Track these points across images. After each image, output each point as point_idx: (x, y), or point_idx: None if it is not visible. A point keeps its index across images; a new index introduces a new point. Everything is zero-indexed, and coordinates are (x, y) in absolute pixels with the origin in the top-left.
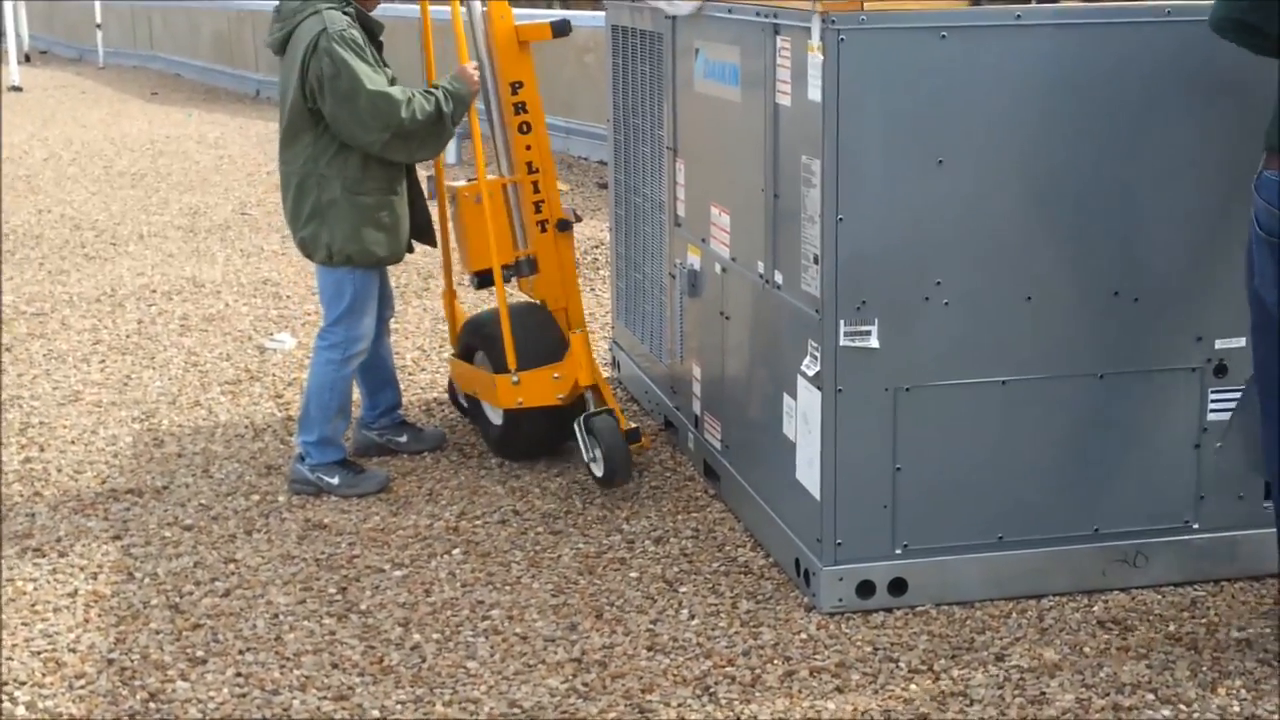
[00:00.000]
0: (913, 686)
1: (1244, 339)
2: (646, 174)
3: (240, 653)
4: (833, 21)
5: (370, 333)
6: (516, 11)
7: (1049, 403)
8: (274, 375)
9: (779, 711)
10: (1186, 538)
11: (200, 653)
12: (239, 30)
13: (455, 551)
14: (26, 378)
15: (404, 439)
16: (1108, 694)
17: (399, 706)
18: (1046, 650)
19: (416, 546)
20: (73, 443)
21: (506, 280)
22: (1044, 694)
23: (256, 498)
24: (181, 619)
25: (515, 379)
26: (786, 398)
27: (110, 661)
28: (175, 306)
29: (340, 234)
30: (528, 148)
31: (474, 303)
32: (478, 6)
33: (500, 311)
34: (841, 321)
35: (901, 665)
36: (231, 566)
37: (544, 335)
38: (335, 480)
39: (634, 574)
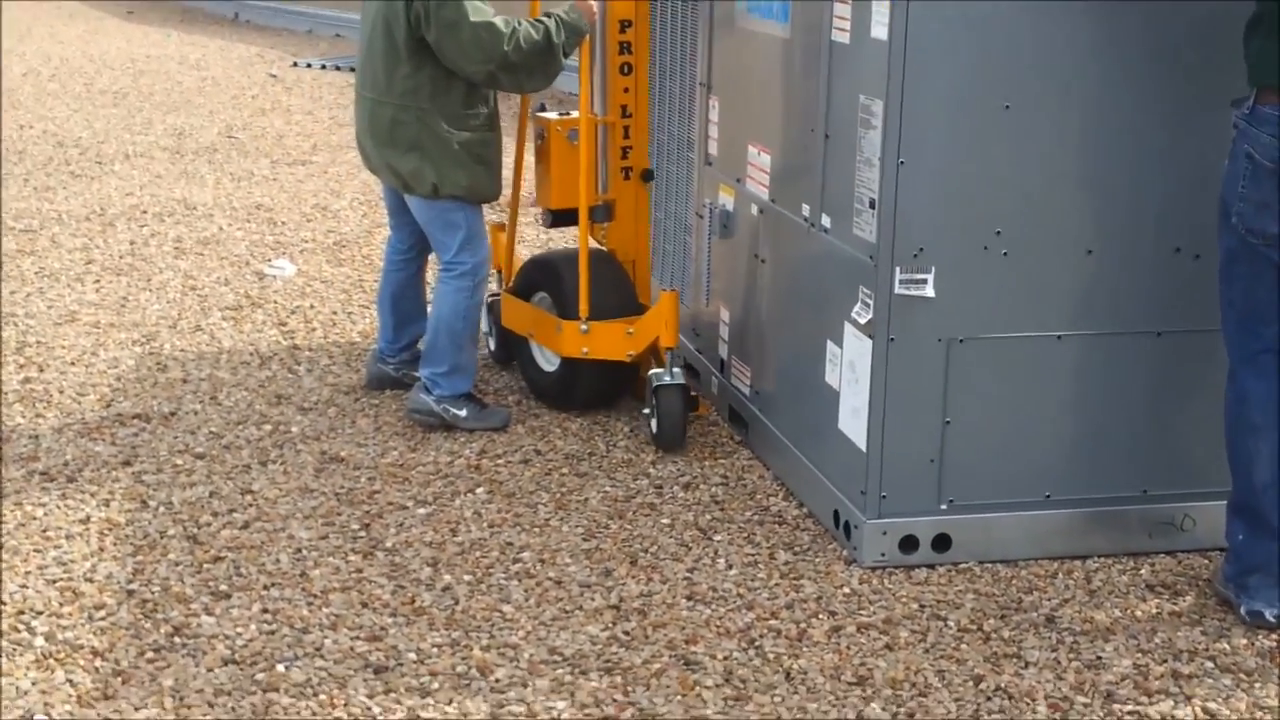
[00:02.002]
0: (964, 646)
1: None
2: (673, 111)
3: (265, 588)
4: None
5: (490, 253)
6: None
7: (1104, 359)
8: (276, 302)
9: (829, 667)
10: None
11: (223, 586)
12: None
13: (479, 490)
14: (20, 295)
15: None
16: (1165, 660)
17: (435, 650)
18: (1097, 613)
19: (438, 484)
20: (73, 364)
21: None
22: (1099, 659)
23: (269, 427)
24: (201, 550)
25: (585, 327)
26: (830, 345)
27: (130, 593)
28: (168, 228)
29: (446, 170)
30: (625, 90)
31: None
32: None
33: (580, 254)
34: (897, 269)
35: (950, 623)
36: (248, 498)
37: (618, 287)
38: (463, 413)
39: (665, 520)
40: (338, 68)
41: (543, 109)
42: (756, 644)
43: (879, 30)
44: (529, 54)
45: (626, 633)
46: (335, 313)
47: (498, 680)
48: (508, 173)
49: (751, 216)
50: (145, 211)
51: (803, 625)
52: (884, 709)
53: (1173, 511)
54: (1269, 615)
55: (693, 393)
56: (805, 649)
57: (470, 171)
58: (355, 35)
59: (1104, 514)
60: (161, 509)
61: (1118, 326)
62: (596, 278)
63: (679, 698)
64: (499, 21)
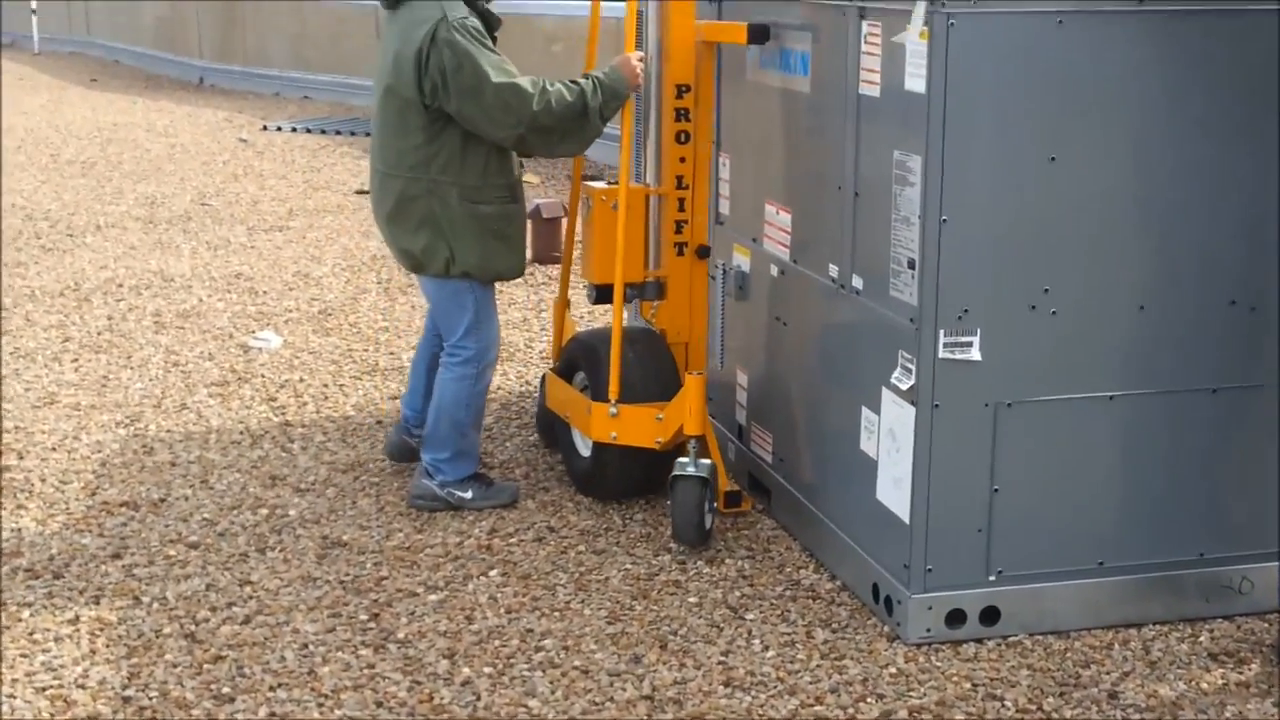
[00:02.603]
0: None
1: None
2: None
3: (271, 689)
4: (942, 4)
5: (498, 338)
6: None
7: (1157, 419)
8: (263, 376)
9: None
10: None
11: (226, 689)
12: (181, 15)
13: (493, 573)
14: None
15: None
16: None
17: None
18: (1160, 687)
19: (449, 567)
20: (54, 449)
21: (628, 301)
22: None
23: (264, 511)
24: (200, 649)
25: (614, 410)
26: (866, 411)
27: (126, 700)
28: (145, 302)
29: (460, 247)
30: (681, 160)
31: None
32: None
33: (613, 332)
34: (941, 332)
35: (1008, 704)
36: (248, 589)
37: (657, 369)
38: (469, 495)
39: (693, 599)
40: (309, 130)
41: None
42: None
43: (914, 83)
44: (561, 117)
45: None
46: (326, 385)
47: None
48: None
49: (770, 277)
50: (121, 285)
51: (850, 711)
52: None
53: (1230, 574)
54: None
55: (734, 489)
56: None
57: (488, 248)
58: (322, 96)
59: (1159, 580)
60: (155, 605)
61: (1171, 384)
62: (636, 359)
63: None
64: (524, 82)
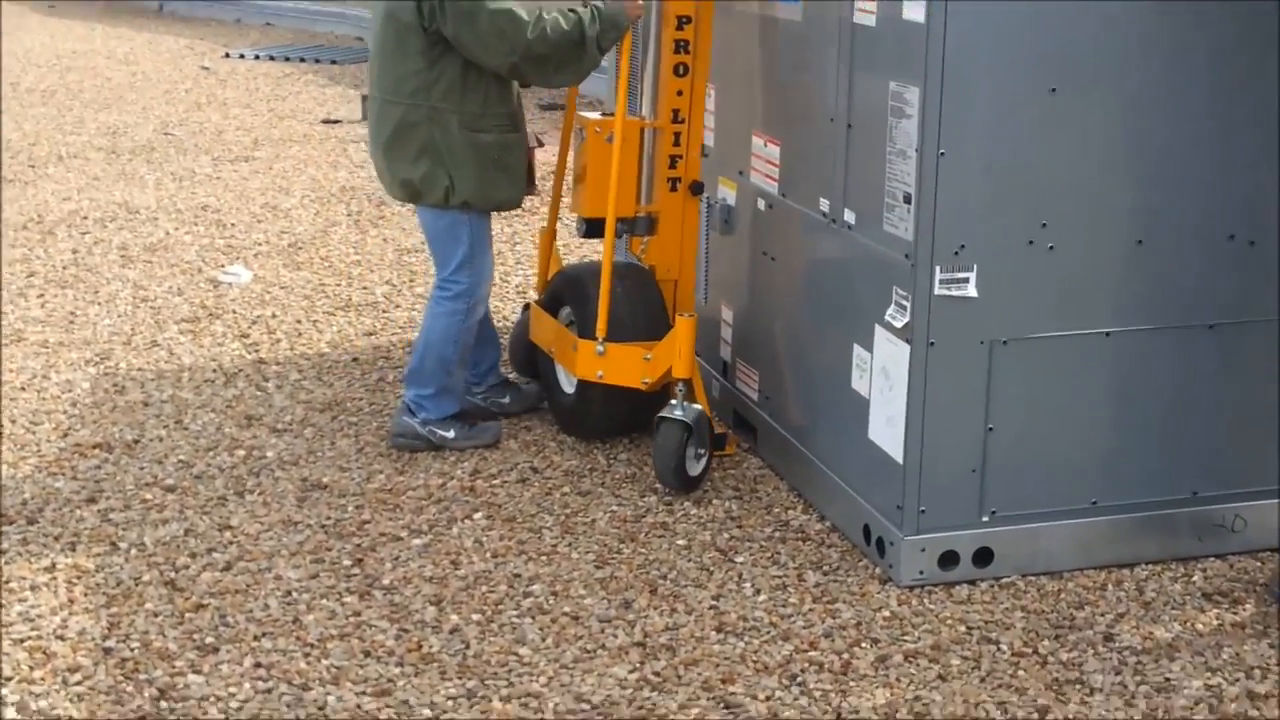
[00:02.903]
0: (1021, 672)
1: None
2: (641, 98)
3: (256, 638)
4: None
5: (492, 273)
6: None
7: (1155, 356)
8: (235, 312)
9: (881, 705)
10: None
11: (209, 639)
12: None
13: (477, 516)
14: None
15: (507, 399)
16: (1237, 679)
17: (450, 703)
18: (1156, 628)
19: (432, 510)
20: (23, 389)
21: (619, 236)
22: (1168, 680)
23: (241, 453)
24: (181, 598)
25: (601, 348)
26: (858, 349)
27: (107, 651)
28: (111, 235)
29: (461, 176)
30: (679, 93)
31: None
32: None
33: (603, 268)
34: (937, 268)
35: (1003, 647)
36: (228, 534)
37: (646, 307)
38: (451, 434)
39: (681, 541)
40: (271, 58)
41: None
42: (799, 680)
43: (913, 12)
44: (557, 45)
45: (657, 673)
46: (299, 322)
47: None
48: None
49: (757, 211)
50: (86, 217)
51: (845, 656)
52: None
53: (1223, 513)
54: None
55: (720, 430)
56: (853, 683)
57: (486, 177)
58: (285, 23)
59: (1152, 519)
60: (134, 551)
61: (1168, 320)
62: (625, 295)
63: None
64: (520, 9)
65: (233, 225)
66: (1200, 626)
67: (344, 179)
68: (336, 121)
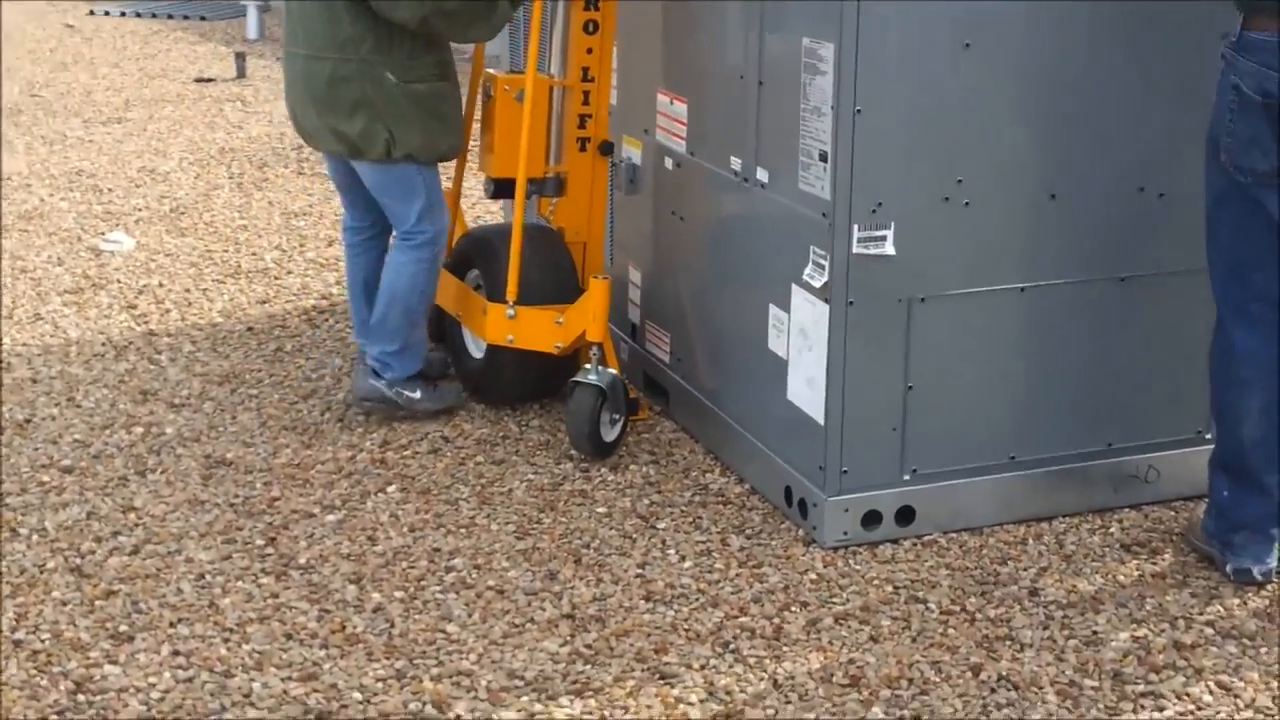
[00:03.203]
0: (951, 631)
1: None
2: (550, 56)
3: (171, 625)
4: None
5: (449, 220)
6: None
7: (1069, 309)
8: (119, 282)
9: (816, 669)
10: (1198, 449)
11: (123, 627)
12: None
13: (391, 489)
14: None
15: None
16: (1162, 630)
17: (380, 685)
18: (1079, 581)
19: (344, 484)
20: None
21: (528, 197)
22: (1096, 634)
23: (139, 430)
24: (90, 585)
25: (511, 312)
26: (774, 309)
27: (17, 643)
28: None
29: (400, 129)
30: (589, 51)
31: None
32: None
33: (514, 230)
34: (855, 226)
35: (931, 606)
36: (132, 516)
37: (556, 270)
38: (418, 394)
39: (601, 509)
40: (138, 14)
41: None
42: (732, 647)
43: None
44: None
45: (589, 646)
46: (188, 290)
47: (459, 717)
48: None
49: (665, 170)
50: None
51: (776, 621)
52: (886, 713)
53: (1137, 464)
54: (1256, 573)
55: (632, 395)
56: (786, 649)
57: (425, 128)
58: None
59: (1068, 471)
60: (35, 537)
61: (1080, 274)
62: (534, 257)
63: (664, 719)
64: None
65: (110, 190)
66: (1121, 578)
67: (222, 140)
68: (210, 80)
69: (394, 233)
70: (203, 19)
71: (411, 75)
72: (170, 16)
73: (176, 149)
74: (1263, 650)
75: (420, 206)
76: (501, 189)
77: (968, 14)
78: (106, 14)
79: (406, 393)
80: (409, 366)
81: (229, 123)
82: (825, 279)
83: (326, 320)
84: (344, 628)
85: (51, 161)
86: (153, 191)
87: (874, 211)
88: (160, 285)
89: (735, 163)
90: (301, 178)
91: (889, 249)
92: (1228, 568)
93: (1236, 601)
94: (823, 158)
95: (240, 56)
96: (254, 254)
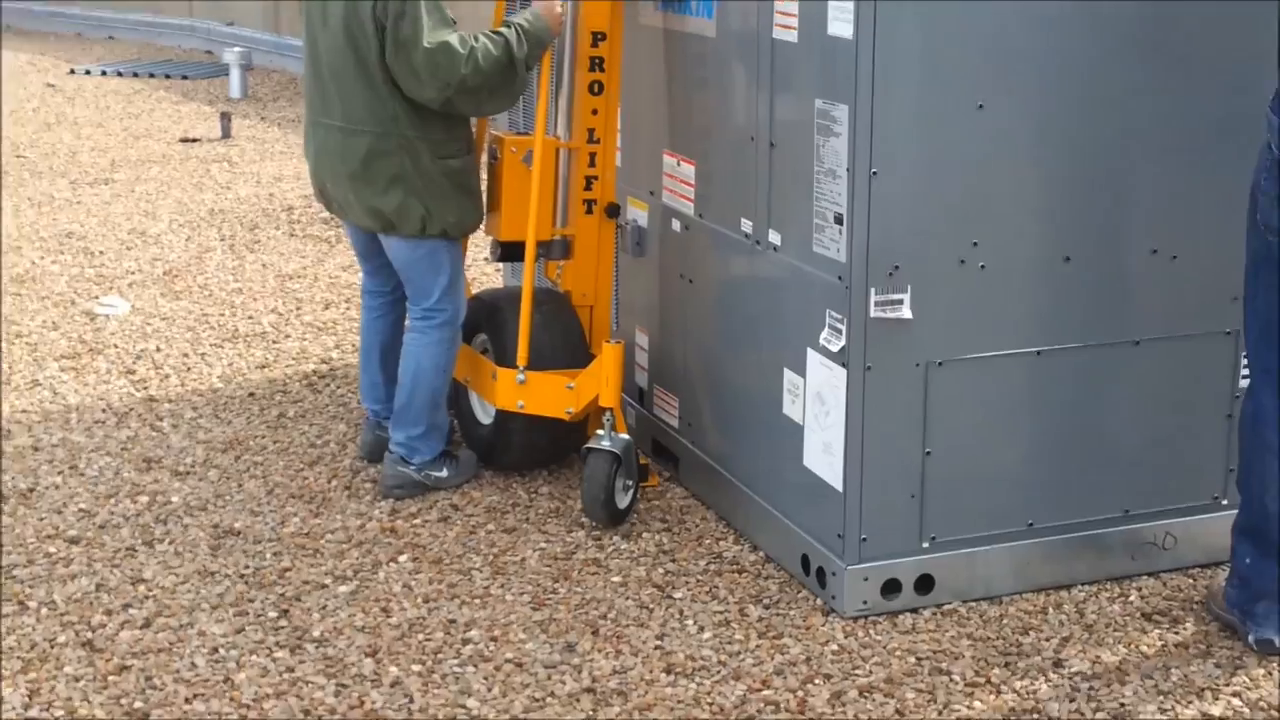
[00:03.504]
0: (977, 703)
1: None
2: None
3: (187, 700)
4: None
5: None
6: None
7: (1084, 374)
8: (116, 346)
9: None
10: (1215, 515)
11: (138, 703)
12: None
13: (402, 559)
14: None
15: None
16: (1189, 701)
17: None
18: (1102, 651)
19: (354, 554)
20: None
21: (535, 260)
22: (1123, 706)
23: (145, 499)
24: (102, 659)
25: (521, 377)
26: (789, 374)
27: None
28: None
29: (437, 205)
30: (594, 112)
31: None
32: None
33: (524, 294)
34: (872, 290)
35: (955, 678)
36: (142, 588)
37: (566, 334)
38: (445, 473)
39: (616, 578)
40: (120, 74)
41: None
42: None
43: (839, 28)
44: (489, 73)
45: None
46: (186, 355)
47: None
48: None
49: (672, 232)
50: None
51: (800, 694)
52: None
53: (1154, 531)
54: (1279, 643)
55: (642, 462)
56: None
57: (459, 203)
58: (129, 37)
59: (1086, 539)
60: (44, 610)
61: (1096, 337)
62: (543, 322)
63: None
64: (455, 40)
65: (101, 253)
66: (1145, 648)
67: (211, 201)
68: (195, 140)
69: (410, 311)
70: (185, 78)
71: (445, 151)
72: (152, 75)
73: (166, 210)
74: None
75: (445, 283)
76: (509, 252)
77: (981, 75)
78: (88, 73)
79: (434, 474)
80: (435, 447)
81: (217, 183)
82: (843, 343)
83: (328, 385)
84: (362, 703)
85: (41, 224)
86: (144, 254)
87: (891, 275)
88: (158, 350)
89: (746, 225)
90: (294, 239)
91: (906, 313)
92: (1250, 638)
93: (1262, 672)
94: (838, 220)
95: (225, 116)
96: (250, 317)
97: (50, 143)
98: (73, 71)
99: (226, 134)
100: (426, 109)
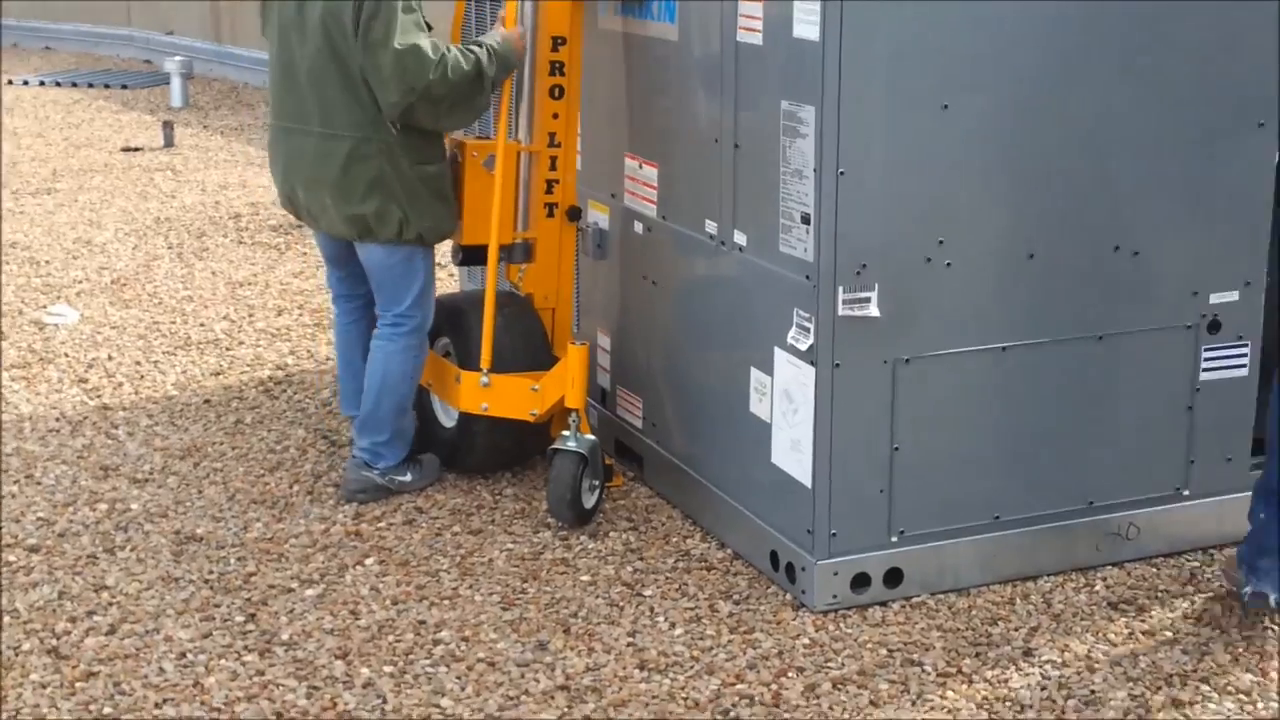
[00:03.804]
0: (950, 693)
1: (1236, 293)
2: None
3: (157, 705)
4: None
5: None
6: None
7: (1049, 368)
8: (67, 355)
9: None
10: (1177, 505)
11: (107, 709)
12: None
13: (369, 561)
14: None
15: None
16: (1159, 688)
17: None
18: (1071, 640)
19: (320, 558)
20: None
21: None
22: (1094, 693)
23: (104, 507)
24: (68, 666)
25: (485, 380)
26: (756, 372)
27: None
28: None
29: (415, 210)
30: (555, 116)
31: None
32: None
33: (486, 298)
34: (840, 288)
35: (927, 668)
36: (105, 595)
37: (528, 337)
38: (409, 478)
39: (585, 577)
40: (58, 83)
41: None
42: (733, 715)
43: (805, 30)
44: (455, 85)
45: (587, 718)
46: (139, 363)
47: None
48: None
49: (635, 234)
50: None
51: (774, 687)
52: None
53: (1118, 522)
54: (1273, 600)
55: (607, 462)
56: (786, 715)
57: (433, 210)
58: (65, 47)
59: (1051, 530)
60: (7, 619)
61: (1061, 332)
62: (506, 325)
63: None
64: (427, 46)
65: (47, 263)
66: (1112, 637)
67: (156, 209)
68: (138, 149)
69: (380, 317)
70: (124, 87)
71: (424, 156)
72: (91, 85)
73: (111, 219)
74: (1259, 705)
75: (417, 290)
76: (470, 256)
77: (946, 76)
78: (25, 83)
79: (398, 478)
80: (399, 453)
81: (162, 192)
82: (811, 341)
83: (285, 391)
84: (335, 704)
85: None
86: (91, 263)
87: (858, 273)
88: (110, 358)
89: (710, 226)
90: (242, 247)
91: (873, 311)
92: (1245, 590)
93: (1228, 657)
94: (805, 220)
95: (168, 125)
96: (202, 325)
97: None
98: (10, 82)
99: (169, 143)
100: None
